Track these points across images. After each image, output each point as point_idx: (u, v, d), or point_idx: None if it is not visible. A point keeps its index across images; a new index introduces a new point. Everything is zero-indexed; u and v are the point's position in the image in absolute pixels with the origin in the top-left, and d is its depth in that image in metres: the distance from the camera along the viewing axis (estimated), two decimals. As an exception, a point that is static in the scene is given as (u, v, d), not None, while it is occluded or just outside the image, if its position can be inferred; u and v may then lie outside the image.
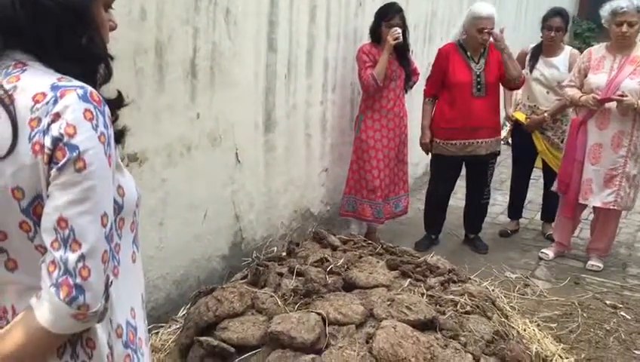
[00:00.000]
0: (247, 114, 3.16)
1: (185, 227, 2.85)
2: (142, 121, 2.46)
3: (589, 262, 3.98)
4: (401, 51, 3.83)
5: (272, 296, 2.41)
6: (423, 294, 2.52)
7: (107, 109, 0.96)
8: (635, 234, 4.66)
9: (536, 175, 4.67)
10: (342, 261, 2.72)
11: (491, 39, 3.77)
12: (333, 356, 2.06)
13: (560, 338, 3.02)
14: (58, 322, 0.90)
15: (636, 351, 2.98)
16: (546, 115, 4.17)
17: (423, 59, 4.95)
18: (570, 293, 3.57)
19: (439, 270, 2.79)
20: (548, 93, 4.22)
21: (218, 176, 3.03)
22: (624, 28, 3.58)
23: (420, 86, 4.20)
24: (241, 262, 3.22)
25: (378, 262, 2.76)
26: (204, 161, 2.89)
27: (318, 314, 2.24)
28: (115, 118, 1.03)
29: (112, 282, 0.96)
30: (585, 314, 3.30)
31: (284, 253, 3.01)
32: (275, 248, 3.41)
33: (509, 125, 4.55)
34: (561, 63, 4.17)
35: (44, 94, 0.92)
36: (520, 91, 4.39)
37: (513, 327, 2.64)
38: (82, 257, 0.89)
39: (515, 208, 4.60)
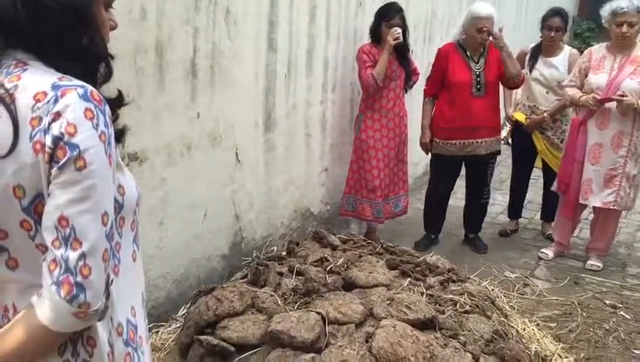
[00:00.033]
0: (247, 113, 3.16)
1: (185, 226, 2.86)
2: (142, 121, 2.47)
3: (589, 262, 3.98)
4: (401, 51, 3.83)
5: (272, 296, 2.41)
6: (422, 293, 2.52)
7: (107, 108, 0.96)
8: (635, 234, 4.66)
9: (536, 175, 4.67)
10: (342, 260, 2.72)
11: (490, 38, 3.78)
12: (332, 355, 2.07)
13: (559, 337, 3.02)
14: (59, 320, 0.90)
15: (635, 351, 2.98)
16: (545, 115, 4.17)
17: (422, 59, 4.95)
18: (569, 293, 3.57)
19: (439, 269, 2.80)
20: (547, 93, 4.22)
21: (218, 175, 3.03)
22: (624, 28, 3.59)
23: (419, 86, 4.20)
24: (241, 261, 3.22)
25: (378, 261, 2.76)
26: (204, 161, 2.89)
27: (318, 313, 2.24)
28: (115, 117, 1.04)
29: (112, 280, 0.97)
30: (584, 314, 3.31)
31: (284, 253, 3.01)
32: (275, 247, 3.42)
33: (508, 125, 4.56)
34: (560, 63, 4.17)
35: (44, 93, 0.92)
36: (520, 91, 4.40)
37: (512, 327, 2.65)
38: (83, 255, 0.90)
39: (515, 208, 4.60)
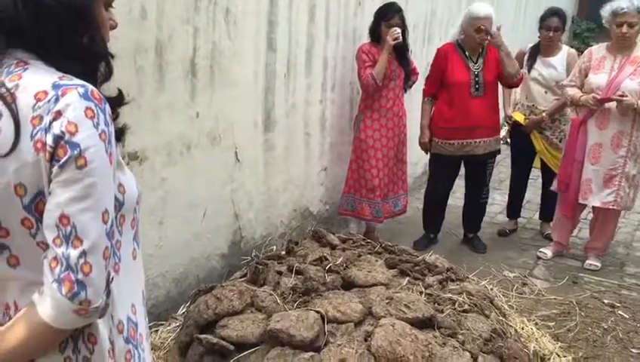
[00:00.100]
0: (246, 113, 3.17)
1: (184, 226, 2.86)
2: (142, 120, 2.47)
3: (587, 262, 3.99)
4: (401, 51, 3.84)
5: (271, 295, 2.42)
6: (421, 292, 2.53)
7: (108, 107, 0.97)
8: (634, 234, 4.67)
9: (535, 175, 4.68)
10: (341, 259, 2.73)
11: (488, 38, 3.78)
12: (331, 354, 2.08)
13: (558, 336, 3.03)
14: (60, 317, 0.91)
15: (633, 350, 2.99)
16: (544, 114, 4.18)
17: (422, 59, 4.96)
18: (568, 292, 3.58)
19: (438, 269, 2.80)
20: (546, 92, 4.23)
21: (218, 174, 3.04)
22: (624, 28, 3.60)
23: (419, 85, 4.21)
24: (240, 260, 3.23)
25: (377, 260, 2.77)
26: (203, 160, 2.90)
27: (317, 312, 2.25)
28: (115, 116, 1.04)
29: (113, 278, 0.97)
30: (583, 313, 3.31)
31: (283, 252, 3.02)
32: (275, 247, 3.42)
33: (507, 125, 4.57)
34: (558, 63, 4.18)
35: (45, 92, 0.93)
36: (518, 91, 4.41)
37: (511, 326, 2.65)
38: (84, 253, 0.90)
39: (514, 208, 4.61)
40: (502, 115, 4.35)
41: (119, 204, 1.02)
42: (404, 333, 2.14)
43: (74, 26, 0.98)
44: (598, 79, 3.72)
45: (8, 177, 0.92)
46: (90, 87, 0.95)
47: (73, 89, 0.93)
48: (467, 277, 2.91)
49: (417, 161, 5.30)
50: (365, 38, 3.93)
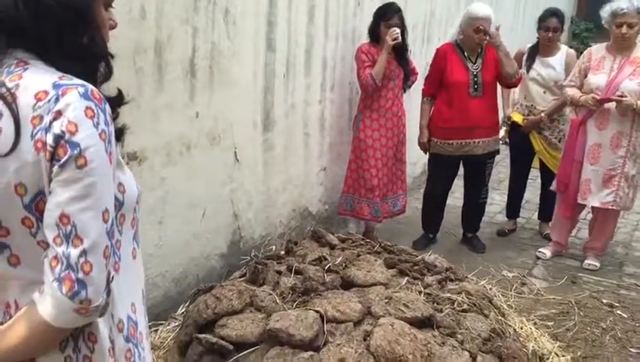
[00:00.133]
0: (245, 113, 3.17)
1: (184, 225, 2.87)
2: (141, 120, 2.48)
3: (586, 261, 4.00)
4: (400, 51, 3.84)
5: (270, 294, 2.42)
6: (420, 292, 2.53)
7: (108, 107, 0.97)
8: (632, 234, 4.68)
9: (534, 175, 4.69)
10: (340, 259, 2.73)
11: (487, 38, 3.79)
12: (331, 353, 2.08)
13: (557, 336, 3.03)
14: (61, 316, 0.91)
15: (632, 349, 3.00)
16: (542, 115, 4.19)
17: (421, 59, 4.96)
18: (567, 292, 3.59)
19: (437, 268, 2.81)
20: (545, 92, 4.24)
21: (217, 174, 3.04)
22: (624, 29, 3.60)
23: (418, 85, 4.21)
24: (239, 260, 3.23)
25: (376, 260, 2.77)
26: (203, 160, 2.90)
27: (317, 311, 2.25)
28: (115, 116, 1.05)
29: (113, 277, 0.98)
30: (581, 313, 3.32)
31: (282, 252, 3.03)
32: (274, 246, 3.43)
33: (506, 126, 4.58)
34: (557, 63, 4.19)
35: (45, 92, 0.93)
36: (517, 91, 4.41)
37: (510, 325, 2.66)
38: (84, 252, 0.91)
39: (513, 207, 4.62)
40: (501, 115, 4.36)
41: (119, 204, 1.02)
42: (403, 333, 2.15)
43: (74, 26, 0.98)
44: (597, 79, 3.72)
45: (9, 177, 0.92)
46: (90, 86, 0.96)
47: (73, 89, 0.93)
48: (466, 277, 2.92)
49: (416, 161, 5.31)
50: (364, 38, 3.93)
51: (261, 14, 3.15)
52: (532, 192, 4.94)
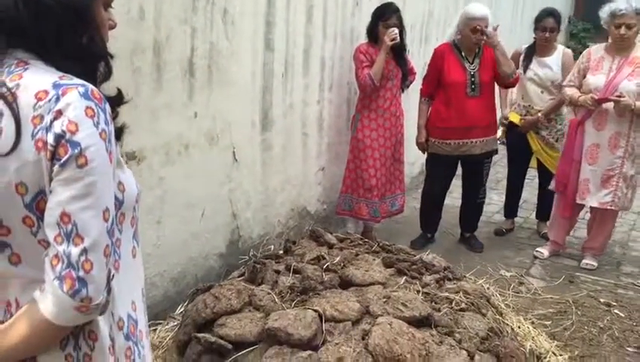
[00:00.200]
0: (244, 113, 3.18)
1: (182, 225, 2.87)
2: (140, 120, 2.48)
3: (584, 261, 4.01)
4: (398, 51, 3.84)
5: (269, 293, 2.43)
6: (418, 291, 2.54)
7: (108, 107, 0.98)
8: (629, 233, 4.69)
9: (532, 174, 4.70)
10: (338, 259, 2.74)
11: (484, 38, 3.80)
12: (329, 352, 2.08)
13: (554, 335, 3.04)
14: (61, 314, 0.92)
15: (629, 348, 3.01)
16: (539, 115, 4.20)
17: (419, 59, 4.97)
18: (564, 291, 3.60)
19: (435, 268, 2.82)
20: (542, 92, 4.25)
21: (215, 174, 3.05)
22: (622, 30, 3.61)
23: (416, 85, 4.22)
24: (238, 259, 3.24)
25: (374, 259, 2.78)
26: (201, 160, 2.90)
27: (315, 311, 2.26)
28: (115, 115, 1.05)
29: (113, 275, 0.98)
30: (579, 312, 3.33)
31: (281, 251, 3.03)
32: (272, 246, 3.43)
33: (503, 126, 4.59)
34: (554, 63, 4.20)
35: (46, 92, 0.93)
36: (515, 91, 4.42)
37: (508, 324, 2.67)
38: (85, 251, 0.91)
39: (511, 207, 4.63)
40: (499, 115, 4.37)
41: (119, 203, 1.03)
42: (402, 332, 2.15)
43: (73, 26, 0.99)
44: (596, 80, 3.73)
45: (9, 176, 0.93)
46: (91, 86, 0.96)
47: (73, 88, 0.94)
48: (464, 276, 2.92)
49: (414, 161, 5.32)
50: (363, 39, 3.94)
51: (259, 14, 3.15)
52: (530, 192, 4.95)
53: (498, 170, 5.71)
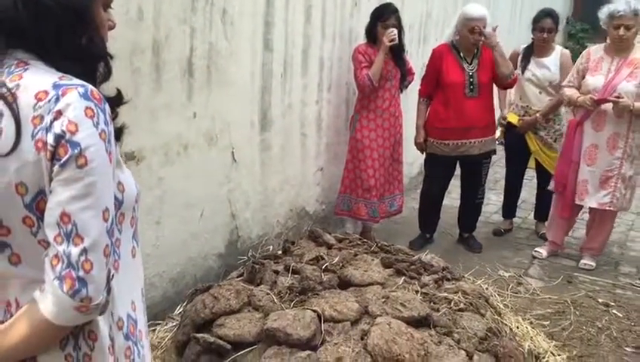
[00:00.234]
0: (243, 113, 3.18)
1: (181, 225, 2.87)
2: (139, 120, 2.48)
3: (582, 261, 4.01)
4: (397, 51, 3.85)
5: (268, 294, 2.43)
6: (417, 292, 2.54)
7: (107, 107, 0.98)
8: (627, 234, 4.70)
9: (530, 175, 4.71)
10: (337, 259, 2.74)
11: (482, 38, 3.80)
12: (328, 352, 2.09)
13: (552, 335, 3.05)
14: (61, 314, 0.92)
15: (627, 348, 3.01)
16: (537, 115, 4.21)
17: (417, 60, 4.98)
18: (562, 291, 3.61)
19: (433, 268, 2.82)
20: (540, 93, 4.26)
21: (214, 174, 3.05)
22: (621, 31, 3.62)
23: (415, 86, 4.22)
24: (237, 260, 3.24)
25: (373, 260, 2.78)
26: (200, 160, 2.90)
27: (314, 311, 2.26)
28: (114, 116, 1.05)
29: (113, 275, 0.98)
30: (577, 312, 3.34)
31: (279, 251, 3.03)
32: (271, 246, 3.43)
33: (501, 126, 4.59)
34: (552, 63, 4.21)
35: (46, 92, 0.93)
36: (513, 91, 4.43)
37: (506, 324, 2.67)
38: (85, 251, 0.91)
39: (509, 207, 4.64)
40: (498, 115, 4.38)
41: (118, 203, 1.03)
42: (400, 332, 2.16)
43: (73, 27, 0.99)
44: (595, 81, 3.74)
45: (9, 176, 0.93)
46: (90, 86, 0.96)
47: (73, 89, 0.94)
48: (463, 277, 2.93)
49: (413, 161, 5.32)
50: (361, 39, 3.94)
51: (258, 15, 3.15)
52: (528, 192, 4.96)
53: (496, 171, 5.72)
